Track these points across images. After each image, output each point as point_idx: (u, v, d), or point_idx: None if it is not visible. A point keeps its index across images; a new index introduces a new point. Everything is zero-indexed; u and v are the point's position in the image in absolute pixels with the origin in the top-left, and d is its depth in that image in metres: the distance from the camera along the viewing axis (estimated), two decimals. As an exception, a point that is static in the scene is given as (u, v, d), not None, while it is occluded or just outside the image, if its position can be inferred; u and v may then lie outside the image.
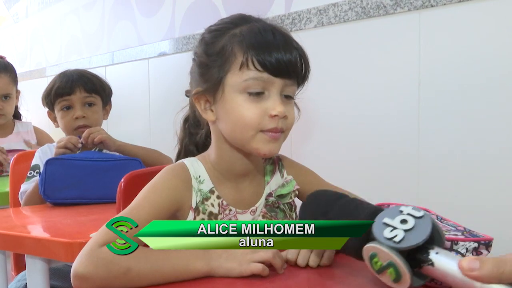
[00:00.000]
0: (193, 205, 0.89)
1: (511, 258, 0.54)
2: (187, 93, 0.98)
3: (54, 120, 1.76)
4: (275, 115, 0.84)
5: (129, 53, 2.60)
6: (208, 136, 0.97)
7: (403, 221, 0.60)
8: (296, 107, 0.93)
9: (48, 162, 1.55)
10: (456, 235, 0.75)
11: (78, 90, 1.69)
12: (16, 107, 2.35)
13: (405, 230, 0.59)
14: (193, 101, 0.93)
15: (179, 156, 1.01)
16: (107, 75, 2.70)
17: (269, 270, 0.75)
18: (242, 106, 0.85)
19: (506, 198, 1.18)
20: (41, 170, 1.64)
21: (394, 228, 0.60)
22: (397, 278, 0.59)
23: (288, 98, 0.88)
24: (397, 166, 1.41)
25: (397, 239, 0.58)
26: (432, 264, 0.58)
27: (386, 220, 0.61)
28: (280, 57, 0.84)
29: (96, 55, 2.92)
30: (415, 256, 0.59)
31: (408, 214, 0.61)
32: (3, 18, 4.37)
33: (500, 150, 1.19)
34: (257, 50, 0.84)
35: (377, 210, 0.65)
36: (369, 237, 0.62)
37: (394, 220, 0.61)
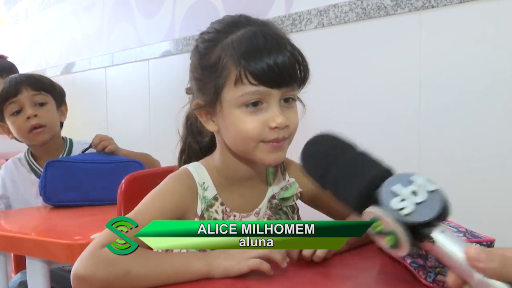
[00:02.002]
0: (199, 213, 0.89)
1: None
2: (188, 91, 0.96)
3: (8, 132, 1.68)
4: (275, 127, 0.83)
5: (129, 54, 2.60)
6: (212, 139, 0.95)
7: (414, 193, 0.57)
8: (301, 103, 0.91)
9: (49, 165, 1.55)
10: (458, 236, 0.75)
11: (25, 89, 1.62)
12: None
13: (416, 204, 0.56)
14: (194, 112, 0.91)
15: (182, 154, 0.99)
16: (107, 76, 2.70)
17: (272, 271, 0.75)
18: (241, 120, 0.83)
19: (508, 199, 1.18)
20: (3, 193, 1.65)
21: (403, 199, 0.56)
22: (395, 246, 0.57)
23: (288, 101, 0.86)
24: (398, 167, 1.40)
25: (405, 211, 0.55)
26: (433, 241, 0.55)
27: (397, 188, 0.58)
28: (274, 66, 0.80)
29: (96, 56, 2.92)
30: (418, 230, 0.56)
31: (420, 185, 0.58)
32: (3, 20, 4.37)
33: (501, 151, 1.19)
34: (249, 61, 0.81)
35: (386, 173, 0.61)
36: (372, 195, 0.59)
37: (404, 189, 0.58)
